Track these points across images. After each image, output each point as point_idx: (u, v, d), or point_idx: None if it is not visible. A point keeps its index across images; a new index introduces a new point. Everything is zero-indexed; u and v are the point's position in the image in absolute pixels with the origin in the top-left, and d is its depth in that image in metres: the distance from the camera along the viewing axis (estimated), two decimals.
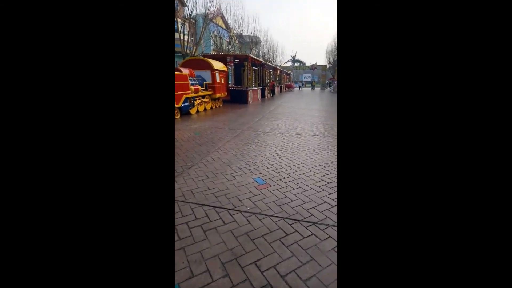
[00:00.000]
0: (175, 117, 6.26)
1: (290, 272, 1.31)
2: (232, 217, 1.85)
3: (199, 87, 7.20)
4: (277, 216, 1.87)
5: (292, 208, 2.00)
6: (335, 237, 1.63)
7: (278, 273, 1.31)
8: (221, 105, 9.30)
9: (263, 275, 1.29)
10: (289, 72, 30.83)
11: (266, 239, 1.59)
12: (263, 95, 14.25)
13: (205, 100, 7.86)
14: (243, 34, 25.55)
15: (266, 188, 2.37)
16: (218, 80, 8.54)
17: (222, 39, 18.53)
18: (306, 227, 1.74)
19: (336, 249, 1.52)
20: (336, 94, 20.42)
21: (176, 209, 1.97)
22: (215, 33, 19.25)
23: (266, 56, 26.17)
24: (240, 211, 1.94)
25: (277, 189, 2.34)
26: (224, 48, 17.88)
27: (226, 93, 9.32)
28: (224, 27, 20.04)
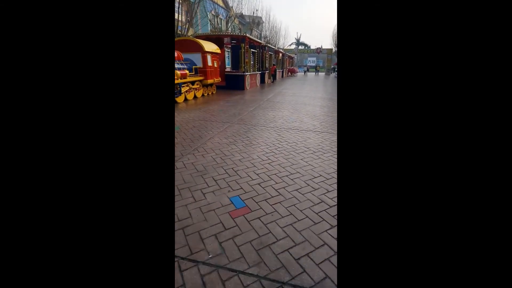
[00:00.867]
0: None
1: None
2: (181, 275, 1.22)
3: (187, 72, 6.39)
4: (250, 274, 1.23)
5: (276, 255, 1.36)
6: None
7: None
8: (214, 92, 8.50)
9: None
10: (292, 55, 29.31)
11: None
12: (262, 81, 13.31)
13: (194, 86, 7.06)
14: (243, 14, 23.99)
15: (244, 214, 1.73)
16: (210, 63, 7.68)
17: (220, 18, 17.20)
18: None
19: None
20: None
21: None
22: (213, 12, 17.91)
23: (268, 38, 24.73)
24: (197, 263, 1.30)
25: (259, 217, 1.70)
26: (222, 28, 16.60)
27: (220, 79, 8.48)
28: (223, 6, 18.59)
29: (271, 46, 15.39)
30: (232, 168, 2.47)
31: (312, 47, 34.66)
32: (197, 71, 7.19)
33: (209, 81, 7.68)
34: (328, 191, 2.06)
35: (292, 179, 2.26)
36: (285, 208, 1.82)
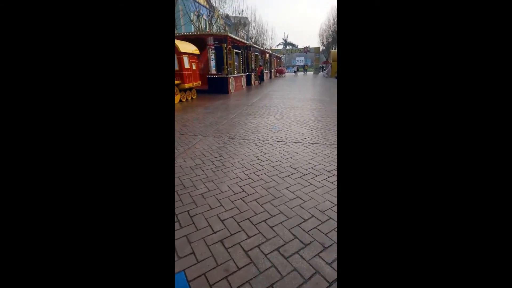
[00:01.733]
0: None
1: None
2: None
3: None
4: None
5: None
6: None
7: None
8: (194, 97, 7.74)
9: None
10: (280, 55, 28.82)
11: None
12: (249, 83, 12.63)
13: None
14: (229, 15, 23.33)
15: None
16: (187, 66, 6.93)
17: (200, 17, 16.42)
18: None
19: None
20: (330, 79, 19.01)
21: None
22: (196, 13, 17.16)
23: (255, 39, 24.14)
24: None
25: None
26: (203, 28, 15.83)
27: (200, 82, 7.73)
28: (207, 6, 17.85)
29: (256, 46, 14.74)
30: (187, 212, 1.76)
31: (299, 47, 34.34)
32: None
33: (187, 85, 6.92)
34: (324, 248, 1.37)
35: (272, 227, 1.57)
36: None
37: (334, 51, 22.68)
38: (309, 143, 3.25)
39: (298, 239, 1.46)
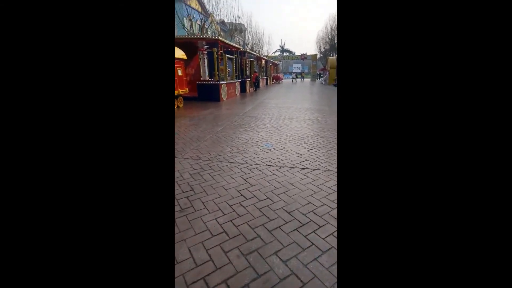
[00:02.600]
0: None
1: None
2: None
3: None
4: None
5: None
6: None
7: None
8: (181, 106, 7.07)
9: None
10: (276, 62, 28.49)
11: None
12: (243, 90, 12.03)
13: None
14: (225, 21, 22.99)
15: None
16: None
17: (193, 21, 15.92)
18: None
19: None
20: (328, 86, 18.54)
21: None
22: (189, 17, 16.69)
23: (251, 45, 23.78)
24: None
25: None
26: (196, 32, 15.28)
27: (186, 89, 7.08)
28: (200, 11, 17.41)
29: (251, 52, 14.23)
30: None
31: (296, 54, 34.16)
32: None
33: None
34: None
35: None
36: None
37: (332, 58, 22.39)
38: (308, 168, 2.58)
39: None
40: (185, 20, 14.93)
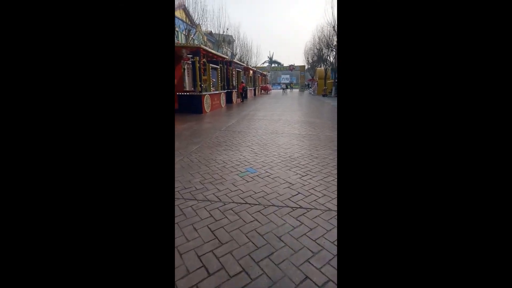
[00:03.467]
0: None
1: None
2: None
3: None
4: None
5: None
6: None
7: None
8: None
9: None
10: (265, 73, 28.38)
11: None
12: (229, 101, 11.43)
13: None
14: (212, 32, 22.74)
15: None
16: None
17: (179, 32, 15.44)
18: None
19: None
20: (317, 97, 18.34)
21: None
22: (176, 28, 16.25)
23: (240, 56, 23.56)
24: None
25: None
26: (181, 42, 14.75)
27: None
28: (187, 21, 17.01)
29: (238, 62, 13.79)
30: None
31: (285, 65, 34.39)
32: None
33: None
34: None
35: None
36: None
37: (320, 69, 22.45)
38: (301, 207, 1.91)
39: None
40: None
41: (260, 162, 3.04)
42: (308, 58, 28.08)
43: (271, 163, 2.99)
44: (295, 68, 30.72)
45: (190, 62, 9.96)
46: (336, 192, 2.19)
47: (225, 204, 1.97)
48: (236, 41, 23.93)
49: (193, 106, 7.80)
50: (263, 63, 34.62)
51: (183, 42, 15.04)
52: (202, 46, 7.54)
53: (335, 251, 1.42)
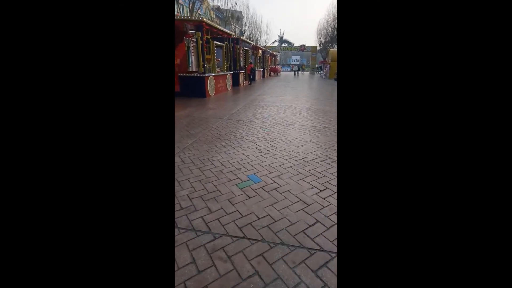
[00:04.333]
0: None
1: None
2: None
3: None
4: None
5: None
6: None
7: None
8: None
9: None
10: (275, 53, 26.86)
11: None
12: (236, 83, 10.64)
13: None
14: (220, 7, 21.23)
15: None
16: None
17: (181, 5, 14.26)
18: None
19: None
20: (329, 81, 17.16)
21: None
22: (180, 1, 15.03)
23: (249, 33, 22.16)
24: None
25: None
26: (185, 16, 13.66)
27: None
28: None
29: (246, 40, 12.72)
30: None
31: (295, 45, 32.45)
32: None
33: None
34: None
35: None
36: None
37: (333, 50, 20.91)
38: (323, 250, 1.35)
39: None
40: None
41: (266, 166, 2.46)
42: (320, 38, 26.23)
43: (279, 168, 2.41)
44: (306, 49, 28.91)
45: (195, 40, 9.11)
46: None
47: (215, 238, 1.43)
48: (245, 18, 22.37)
49: (196, 89, 7.13)
50: (273, 42, 32.79)
51: (187, 15, 13.95)
52: (204, 19, 6.66)
53: None
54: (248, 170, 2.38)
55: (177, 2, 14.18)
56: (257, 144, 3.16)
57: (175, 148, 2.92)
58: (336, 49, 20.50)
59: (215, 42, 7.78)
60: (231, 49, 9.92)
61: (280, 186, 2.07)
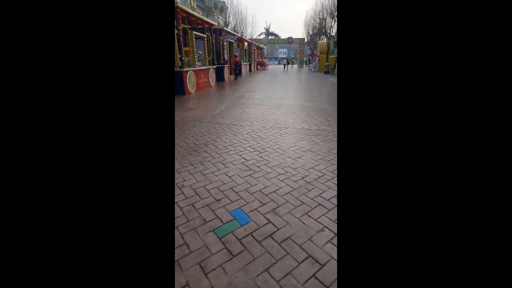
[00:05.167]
0: None
1: None
2: None
3: None
4: None
5: None
6: None
7: None
8: None
9: None
10: (261, 46, 25.97)
11: None
12: (220, 78, 9.83)
13: None
14: None
15: None
16: None
17: None
18: None
19: None
20: (318, 74, 16.64)
21: None
22: None
23: (234, 25, 21.11)
24: None
25: None
26: None
27: None
28: None
29: (231, 31, 11.85)
30: None
31: (282, 37, 31.64)
32: None
33: None
34: None
35: None
36: None
37: (322, 42, 20.37)
38: None
39: None
40: None
41: (256, 193, 1.82)
42: (308, 30, 25.56)
43: (274, 196, 1.78)
44: (294, 41, 28.19)
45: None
46: None
47: None
48: (229, 8, 21.27)
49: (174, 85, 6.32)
50: (259, 35, 31.77)
51: None
52: (180, 5, 5.79)
53: None
54: (232, 201, 1.73)
55: None
56: (244, 157, 2.50)
57: None
58: (324, 41, 19.93)
59: (194, 32, 6.93)
60: (214, 41, 9.07)
61: (278, 229, 1.44)
